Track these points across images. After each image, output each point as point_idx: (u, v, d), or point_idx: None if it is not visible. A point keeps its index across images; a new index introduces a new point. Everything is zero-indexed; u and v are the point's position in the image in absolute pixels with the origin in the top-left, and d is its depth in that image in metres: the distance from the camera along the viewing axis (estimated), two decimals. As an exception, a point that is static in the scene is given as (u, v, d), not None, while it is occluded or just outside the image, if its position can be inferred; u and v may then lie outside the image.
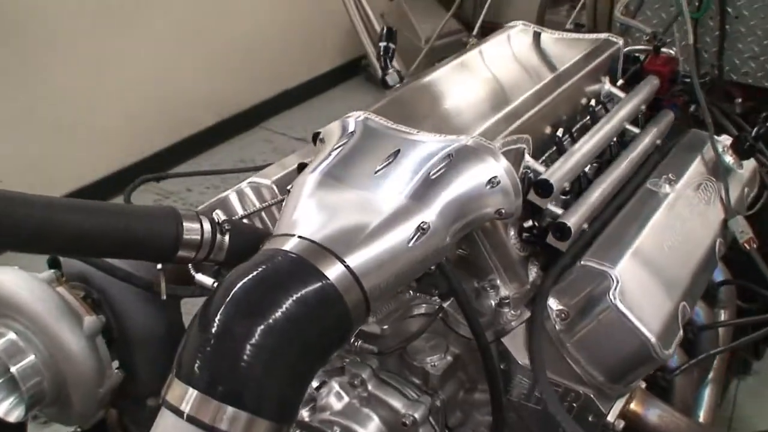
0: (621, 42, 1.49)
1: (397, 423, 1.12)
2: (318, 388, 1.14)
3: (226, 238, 1.03)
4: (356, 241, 0.90)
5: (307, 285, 0.85)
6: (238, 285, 0.84)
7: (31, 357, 1.09)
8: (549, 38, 1.51)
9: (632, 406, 1.14)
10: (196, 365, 0.81)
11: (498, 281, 1.15)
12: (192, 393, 0.80)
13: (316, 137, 1.13)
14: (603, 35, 1.49)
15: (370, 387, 1.13)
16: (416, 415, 1.10)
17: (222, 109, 4.10)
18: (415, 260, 0.94)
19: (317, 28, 4.47)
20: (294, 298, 0.83)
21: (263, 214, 1.24)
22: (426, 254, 0.95)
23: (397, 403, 1.12)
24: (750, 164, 1.51)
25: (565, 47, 1.46)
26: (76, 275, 1.18)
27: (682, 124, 1.53)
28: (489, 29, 1.65)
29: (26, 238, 0.84)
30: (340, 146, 1.05)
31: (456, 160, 1.01)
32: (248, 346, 0.80)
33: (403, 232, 0.93)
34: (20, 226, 0.83)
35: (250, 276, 0.84)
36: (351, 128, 1.08)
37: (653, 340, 1.03)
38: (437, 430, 1.14)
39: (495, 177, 1.01)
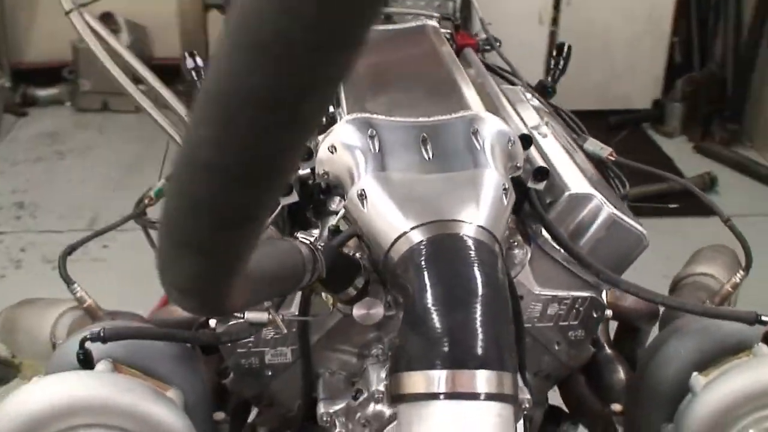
0: (435, 23, 1.70)
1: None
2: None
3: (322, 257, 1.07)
4: (489, 211, 1.04)
5: (490, 255, 0.98)
6: (442, 273, 0.94)
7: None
8: (398, 30, 1.68)
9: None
10: (441, 348, 0.89)
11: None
12: (440, 374, 0.88)
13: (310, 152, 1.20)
14: (420, 21, 1.70)
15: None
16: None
17: None
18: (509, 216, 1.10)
19: None
20: (488, 271, 0.95)
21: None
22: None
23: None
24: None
25: (417, 36, 1.64)
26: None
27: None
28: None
29: None
30: (372, 149, 1.14)
31: (481, 131, 1.17)
32: (478, 319, 0.91)
33: (502, 195, 1.08)
34: None
35: (449, 262, 0.95)
36: (368, 131, 1.17)
37: (644, 231, 1.28)
38: None
39: (510, 138, 1.19)
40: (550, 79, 1.74)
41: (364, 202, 1.07)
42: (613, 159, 1.57)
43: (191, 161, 0.52)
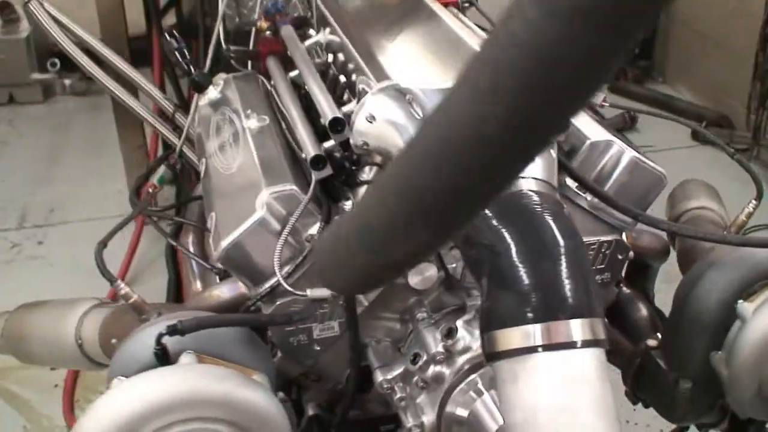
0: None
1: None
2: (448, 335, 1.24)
3: None
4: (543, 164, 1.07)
5: (557, 205, 1.01)
6: (521, 228, 0.96)
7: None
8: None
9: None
10: (534, 302, 0.92)
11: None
12: (536, 327, 0.91)
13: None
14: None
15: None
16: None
17: None
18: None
19: None
20: (562, 220, 0.99)
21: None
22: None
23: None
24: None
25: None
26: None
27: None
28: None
29: None
30: (416, 114, 1.16)
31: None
32: (564, 269, 0.94)
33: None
34: None
35: (525, 216, 0.98)
36: (406, 98, 1.18)
37: (664, 171, 1.33)
38: None
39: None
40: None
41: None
42: (606, 105, 1.62)
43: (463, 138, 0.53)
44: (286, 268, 1.18)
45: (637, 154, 1.30)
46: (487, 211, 1.00)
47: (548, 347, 0.91)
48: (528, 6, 0.46)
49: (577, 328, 0.92)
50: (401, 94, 1.18)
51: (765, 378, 1.16)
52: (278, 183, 1.24)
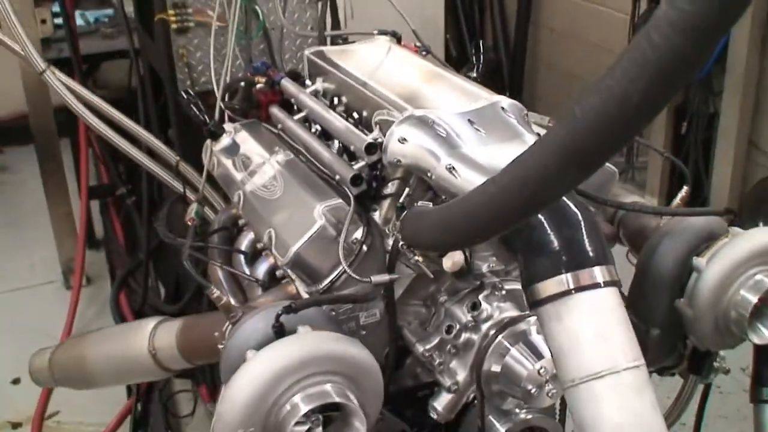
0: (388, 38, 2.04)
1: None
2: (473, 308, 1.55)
3: None
4: None
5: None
6: None
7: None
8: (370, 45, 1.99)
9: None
10: (563, 258, 1.24)
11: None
12: (567, 276, 1.23)
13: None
14: (376, 38, 2.03)
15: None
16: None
17: None
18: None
19: None
20: (573, 198, 1.32)
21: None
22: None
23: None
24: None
25: (393, 49, 1.96)
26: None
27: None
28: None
29: None
30: (442, 134, 1.47)
31: (507, 109, 1.54)
32: (584, 231, 1.27)
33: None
34: None
35: None
36: (429, 122, 1.49)
37: (615, 169, 1.69)
38: None
39: (523, 110, 1.57)
40: (474, 74, 2.11)
41: (455, 173, 1.40)
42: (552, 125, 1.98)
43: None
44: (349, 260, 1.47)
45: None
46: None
47: (579, 289, 1.23)
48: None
49: (598, 273, 1.24)
50: (423, 119, 1.50)
51: (719, 314, 1.52)
52: (327, 199, 1.54)
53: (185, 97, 1.87)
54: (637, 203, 1.84)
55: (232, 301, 1.62)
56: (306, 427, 1.25)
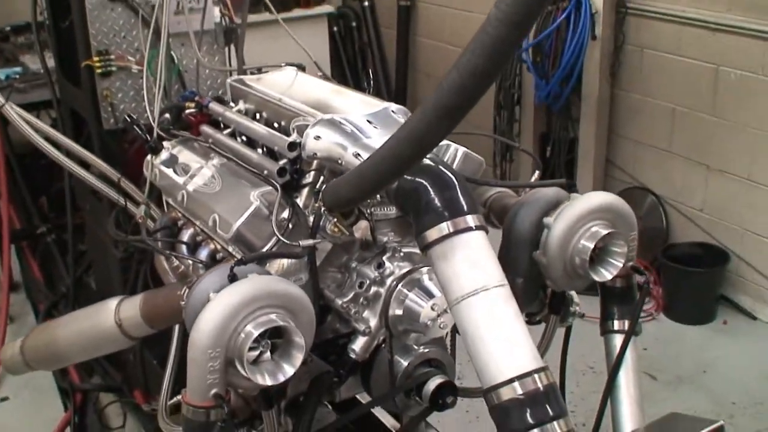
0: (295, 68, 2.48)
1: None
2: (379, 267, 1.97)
3: None
4: None
5: (436, 157, 1.79)
6: (423, 176, 1.73)
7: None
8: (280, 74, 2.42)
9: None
10: (444, 211, 1.68)
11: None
12: (448, 223, 1.67)
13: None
14: (287, 67, 2.46)
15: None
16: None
17: None
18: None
19: None
20: (443, 165, 1.76)
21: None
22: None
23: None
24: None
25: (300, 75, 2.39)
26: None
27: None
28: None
29: None
30: (349, 130, 1.91)
31: (396, 112, 1.99)
32: (459, 190, 1.72)
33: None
34: None
35: (427, 169, 1.75)
36: (338, 122, 1.93)
37: (482, 159, 2.15)
38: None
39: (406, 112, 2.02)
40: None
41: (359, 158, 1.83)
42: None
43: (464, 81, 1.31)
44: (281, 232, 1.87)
45: (465, 150, 2.12)
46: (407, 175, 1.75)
47: (457, 232, 1.66)
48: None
49: (470, 220, 1.67)
50: (332, 121, 1.94)
51: (567, 260, 1.97)
52: (260, 187, 1.96)
53: (129, 120, 2.26)
54: (502, 191, 2.31)
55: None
56: (258, 352, 1.65)
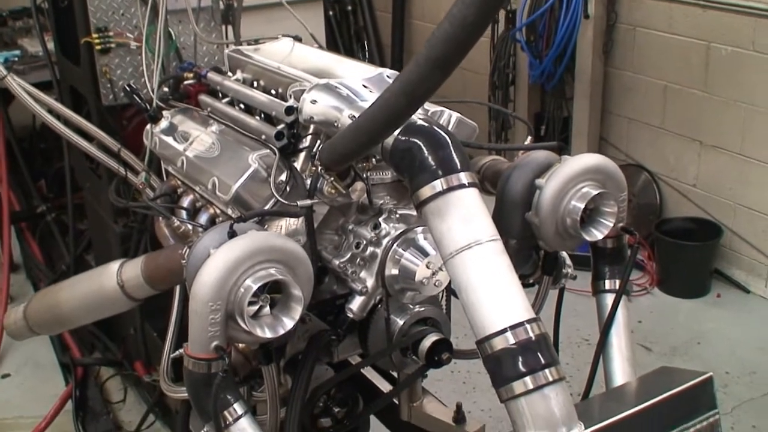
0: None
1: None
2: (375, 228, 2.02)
3: None
4: None
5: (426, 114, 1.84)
6: (417, 136, 1.78)
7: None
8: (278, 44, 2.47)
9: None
10: (437, 170, 1.73)
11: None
12: (440, 181, 1.71)
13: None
14: (284, 38, 2.50)
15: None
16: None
17: None
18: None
19: None
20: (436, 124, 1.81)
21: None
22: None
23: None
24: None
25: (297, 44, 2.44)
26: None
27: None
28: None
29: None
30: (344, 93, 1.95)
31: (390, 76, 2.04)
32: (452, 149, 1.77)
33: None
34: None
35: (421, 128, 1.80)
36: (334, 87, 1.97)
37: (475, 124, 2.20)
38: None
39: (402, 77, 2.07)
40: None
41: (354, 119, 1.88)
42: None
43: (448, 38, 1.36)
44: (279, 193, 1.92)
45: (459, 115, 2.16)
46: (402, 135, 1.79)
47: (450, 189, 1.70)
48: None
49: (463, 177, 1.71)
50: (328, 86, 1.98)
51: (558, 220, 2.02)
52: (258, 150, 2.00)
53: (129, 90, 2.30)
54: (495, 158, 2.36)
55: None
56: (257, 306, 1.70)
